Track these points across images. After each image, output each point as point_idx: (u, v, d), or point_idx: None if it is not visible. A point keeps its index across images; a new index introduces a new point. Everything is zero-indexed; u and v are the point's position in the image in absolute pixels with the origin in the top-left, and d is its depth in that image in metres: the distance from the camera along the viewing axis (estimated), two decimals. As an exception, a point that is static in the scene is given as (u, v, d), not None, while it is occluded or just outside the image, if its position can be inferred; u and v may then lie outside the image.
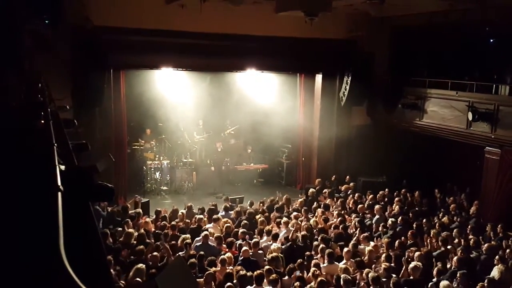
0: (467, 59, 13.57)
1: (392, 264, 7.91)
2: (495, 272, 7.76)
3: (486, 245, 8.83)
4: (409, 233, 9.43)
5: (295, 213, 10.84)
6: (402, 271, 7.70)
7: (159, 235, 9.11)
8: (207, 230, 9.33)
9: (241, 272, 7.32)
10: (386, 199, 12.35)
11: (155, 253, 8.00)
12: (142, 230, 9.26)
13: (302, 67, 15.25)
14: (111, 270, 6.93)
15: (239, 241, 8.87)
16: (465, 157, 13.40)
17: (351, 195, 12.55)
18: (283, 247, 8.78)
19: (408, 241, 9.22)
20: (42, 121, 2.91)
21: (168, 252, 8.24)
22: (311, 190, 12.97)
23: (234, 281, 7.13)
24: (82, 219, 2.14)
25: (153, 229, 9.83)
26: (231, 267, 7.70)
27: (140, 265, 7.17)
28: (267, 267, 7.49)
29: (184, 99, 15.16)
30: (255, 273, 7.19)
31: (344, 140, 14.56)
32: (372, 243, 9.15)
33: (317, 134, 15.55)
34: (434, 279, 7.45)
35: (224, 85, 15.90)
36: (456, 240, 9.34)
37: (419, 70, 14.52)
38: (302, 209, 11.31)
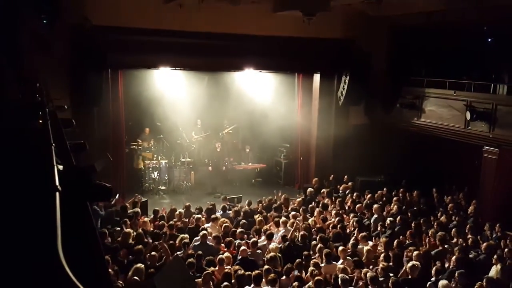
0: (465, 59, 13.58)
1: (391, 264, 7.92)
2: (493, 272, 7.78)
3: (484, 244, 8.83)
4: (408, 232, 9.43)
5: (293, 213, 10.83)
6: (401, 271, 7.70)
7: (157, 234, 9.10)
8: (205, 229, 9.32)
9: (239, 272, 7.32)
10: (384, 198, 12.36)
11: (153, 253, 7.99)
12: (140, 230, 9.25)
13: (300, 67, 15.24)
14: (110, 270, 6.93)
15: (238, 241, 8.87)
16: (463, 156, 13.41)
17: (349, 195, 12.56)
18: (281, 246, 8.77)
19: (407, 241, 9.22)
20: (40, 121, 2.91)
21: (166, 252, 8.23)
22: (309, 189, 12.97)
23: (233, 280, 7.13)
24: (80, 219, 2.13)
25: (151, 229, 9.82)
26: (229, 267, 7.69)
27: (139, 265, 7.17)
28: (265, 267, 7.49)
29: (182, 99, 15.14)
30: (254, 273, 7.19)
31: (342, 139, 14.56)
32: (370, 243, 9.16)
33: (315, 133, 15.55)
34: (433, 279, 7.45)
35: (222, 85, 15.89)
36: (455, 240, 9.36)
37: (417, 70, 14.53)
38: (301, 209, 11.30)
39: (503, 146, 11.36)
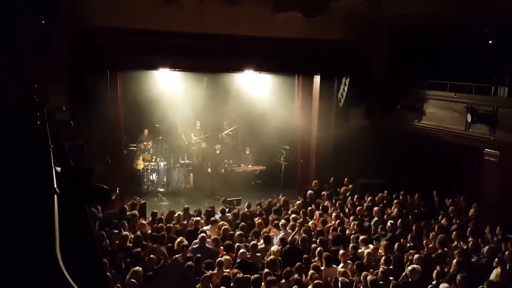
0: (465, 60, 13.55)
1: (391, 267, 7.87)
2: (494, 275, 7.74)
3: (486, 247, 8.78)
4: (408, 235, 9.38)
5: (293, 215, 10.77)
6: (402, 274, 7.65)
7: (155, 237, 9.04)
8: (204, 232, 9.27)
9: (239, 275, 7.27)
10: (384, 201, 12.31)
11: (151, 256, 7.94)
12: (138, 233, 9.20)
13: (300, 68, 15.21)
14: (107, 273, 6.88)
15: (237, 244, 8.81)
16: (464, 159, 13.38)
17: (349, 197, 12.51)
18: (280, 249, 8.71)
19: (407, 244, 9.17)
20: (38, 122, 2.86)
21: (164, 255, 8.18)
22: (309, 192, 12.92)
23: (232, 284, 7.08)
24: (78, 222, 2.09)
25: (149, 231, 9.76)
26: (228, 270, 7.64)
27: (137, 268, 7.12)
28: (265, 270, 7.44)
29: (182, 100, 15.10)
30: (253, 276, 7.14)
31: (342, 141, 14.51)
32: (371, 246, 9.10)
33: (315, 135, 15.51)
34: (434, 282, 7.41)
35: (222, 86, 15.86)
36: (455, 243, 9.31)
37: (418, 71, 14.48)
38: (300, 211, 11.24)
39: (504, 148, 11.33)
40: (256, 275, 7.16)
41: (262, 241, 9.22)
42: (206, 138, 16.25)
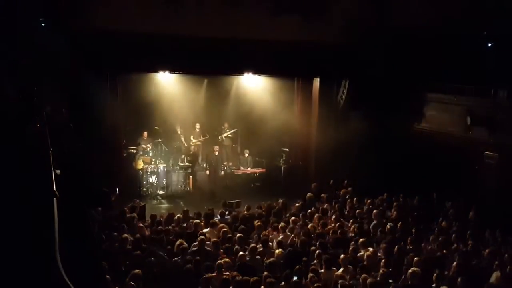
0: (465, 63, 13.56)
1: (390, 270, 7.86)
2: (493, 278, 7.73)
3: (486, 250, 8.77)
4: (408, 238, 9.37)
5: (292, 218, 10.76)
6: (402, 277, 7.64)
7: (155, 240, 9.03)
8: (203, 235, 9.25)
9: (238, 278, 7.25)
10: (384, 204, 12.30)
11: (151, 259, 7.93)
12: (138, 235, 9.18)
13: (300, 71, 15.21)
14: (107, 276, 6.87)
15: (236, 246, 8.80)
16: (463, 161, 13.37)
17: (349, 200, 12.49)
18: (281, 252, 8.70)
19: (407, 247, 9.16)
20: (38, 125, 2.86)
21: (163, 258, 8.15)
22: (308, 194, 12.90)
23: (231, 287, 7.06)
24: (78, 225, 2.08)
25: (147, 233, 9.74)
26: (227, 273, 7.62)
27: (137, 271, 7.11)
28: (264, 273, 7.42)
29: (181, 103, 15.10)
30: (252, 279, 7.12)
31: (341, 144, 14.50)
32: (370, 249, 9.09)
33: (314, 138, 15.51)
34: (434, 285, 7.40)
35: (221, 89, 15.86)
36: (455, 245, 9.30)
37: (417, 74, 14.49)
38: (300, 214, 11.23)
39: (503, 151, 11.34)
40: (255, 278, 7.15)
41: (261, 244, 9.20)
42: (205, 140, 16.24)
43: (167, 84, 14.98)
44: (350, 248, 8.80)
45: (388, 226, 10.10)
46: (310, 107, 15.73)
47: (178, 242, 8.75)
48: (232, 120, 16.28)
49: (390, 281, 7.42)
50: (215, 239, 9.18)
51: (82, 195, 2.25)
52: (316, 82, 15.50)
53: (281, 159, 16.55)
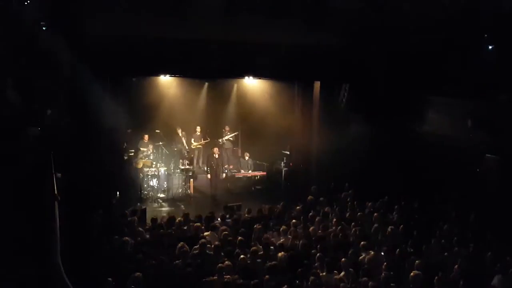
0: (466, 66, 13.55)
1: (392, 273, 7.84)
2: (495, 281, 7.72)
3: (487, 253, 8.76)
4: (409, 241, 9.35)
5: (293, 221, 10.74)
6: (404, 280, 7.63)
7: (155, 243, 9.02)
8: (204, 238, 9.24)
9: (239, 281, 7.24)
10: (385, 207, 12.27)
11: (152, 262, 7.92)
12: (139, 238, 9.18)
13: (300, 74, 15.19)
14: (108, 279, 6.87)
15: (237, 250, 8.78)
16: (464, 164, 13.36)
17: (350, 203, 12.47)
18: (282, 255, 8.68)
19: (408, 250, 9.15)
20: (39, 128, 2.86)
21: (164, 261, 8.15)
22: (309, 197, 12.89)
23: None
24: (79, 227, 2.08)
25: (147, 237, 9.74)
26: (228, 276, 7.61)
27: (137, 274, 7.11)
28: (265, 276, 7.41)
29: (182, 106, 15.12)
30: (253, 282, 7.11)
31: (342, 147, 14.50)
32: (371, 252, 9.06)
33: (315, 141, 15.51)
34: (435, 288, 7.39)
35: (222, 92, 15.88)
36: (457, 249, 9.28)
37: (419, 77, 14.48)
38: (301, 217, 11.21)
39: (505, 153, 11.33)
40: (256, 281, 7.13)
41: (262, 247, 9.18)
42: (206, 143, 16.25)
43: (168, 88, 15.00)
44: (351, 251, 8.78)
45: (389, 229, 10.08)
46: (310, 110, 15.74)
47: (179, 245, 8.74)
48: (232, 123, 16.29)
49: (391, 284, 7.40)
50: (216, 242, 9.16)
51: (83, 198, 2.25)
52: (317, 85, 15.51)
53: (282, 162, 16.55)
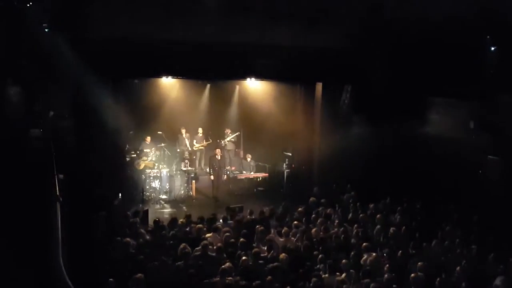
0: (469, 67, 13.53)
1: (394, 274, 7.83)
2: (498, 282, 7.71)
3: (490, 255, 8.74)
4: (411, 243, 9.34)
5: (295, 223, 10.74)
6: (405, 282, 7.62)
7: (157, 244, 9.02)
8: (206, 239, 9.24)
9: (241, 283, 7.24)
10: (387, 208, 12.26)
11: (154, 263, 7.93)
12: (141, 240, 9.18)
13: (302, 76, 15.21)
14: (110, 280, 6.87)
15: (239, 251, 8.78)
16: (467, 166, 13.33)
17: (352, 204, 12.46)
18: (284, 257, 8.68)
19: (410, 251, 9.13)
20: (42, 130, 2.87)
21: (166, 263, 8.16)
22: (311, 199, 12.88)
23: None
24: (81, 229, 2.09)
25: (149, 238, 9.74)
26: (230, 278, 7.61)
27: (139, 275, 7.11)
28: (267, 277, 7.41)
29: (184, 107, 15.13)
30: (255, 283, 7.11)
31: (344, 148, 14.49)
32: (373, 253, 9.05)
33: (317, 142, 15.52)
34: (437, 290, 7.38)
35: (224, 94, 15.89)
36: (459, 250, 9.26)
37: (421, 78, 14.46)
38: (303, 219, 11.20)
39: (507, 155, 11.31)
40: (258, 282, 7.13)
41: (264, 248, 9.18)
42: (208, 145, 16.26)
43: (170, 89, 15.02)
44: (353, 253, 8.76)
45: (391, 230, 10.07)
46: (312, 111, 15.75)
47: (181, 246, 8.74)
48: (234, 124, 16.30)
49: (393, 286, 7.39)
50: (218, 243, 9.16)
51: (85, 199, 2.25)
52: (319, 87, 15.52)
53: (284, 164, 16.55)
